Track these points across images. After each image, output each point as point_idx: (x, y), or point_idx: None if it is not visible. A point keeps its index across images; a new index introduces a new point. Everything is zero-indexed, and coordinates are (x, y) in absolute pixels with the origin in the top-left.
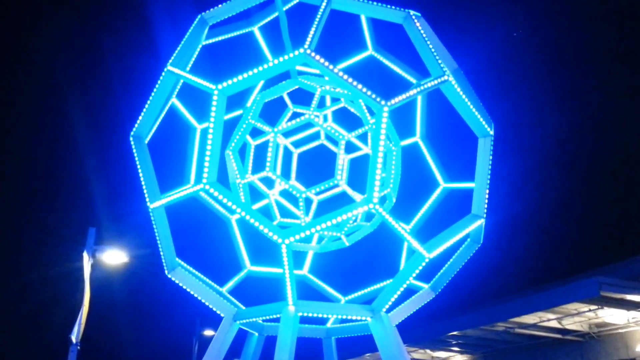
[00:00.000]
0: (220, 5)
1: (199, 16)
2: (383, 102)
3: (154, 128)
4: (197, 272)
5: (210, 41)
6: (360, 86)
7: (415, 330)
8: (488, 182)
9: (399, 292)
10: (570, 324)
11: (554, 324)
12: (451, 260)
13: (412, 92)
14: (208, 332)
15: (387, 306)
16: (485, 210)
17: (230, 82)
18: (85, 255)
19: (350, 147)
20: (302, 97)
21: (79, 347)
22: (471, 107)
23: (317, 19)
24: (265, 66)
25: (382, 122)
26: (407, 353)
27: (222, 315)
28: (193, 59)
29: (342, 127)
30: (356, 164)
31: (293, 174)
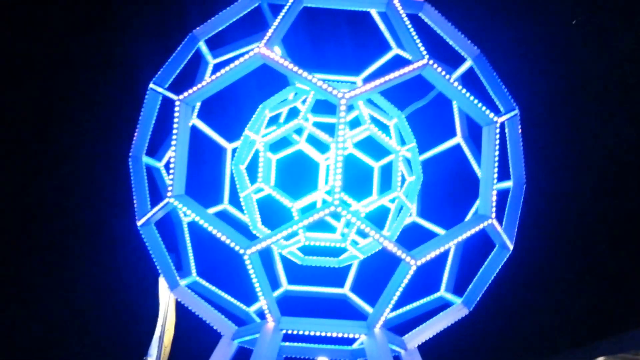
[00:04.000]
0: (208, 21)
1: (190, 34)
2: (340, 95)
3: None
4: (218, 291)
5: (219, 60)
6: (315, 80)
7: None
8: (495, 176)
9: (391, 305)
10: None
11: None
12: (480, 270)
13: (377, 82)
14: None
15: (380, 322)
16: (494, 210)
17: (191, 91)
18: (161, 280)
19: (382, 153)
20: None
21: None
22: (463, 91)
23: (280, 16)
24: (223, 72)
25: (339, 115)
26: None
27: (221, 333)
28: (208, 73)
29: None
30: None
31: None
